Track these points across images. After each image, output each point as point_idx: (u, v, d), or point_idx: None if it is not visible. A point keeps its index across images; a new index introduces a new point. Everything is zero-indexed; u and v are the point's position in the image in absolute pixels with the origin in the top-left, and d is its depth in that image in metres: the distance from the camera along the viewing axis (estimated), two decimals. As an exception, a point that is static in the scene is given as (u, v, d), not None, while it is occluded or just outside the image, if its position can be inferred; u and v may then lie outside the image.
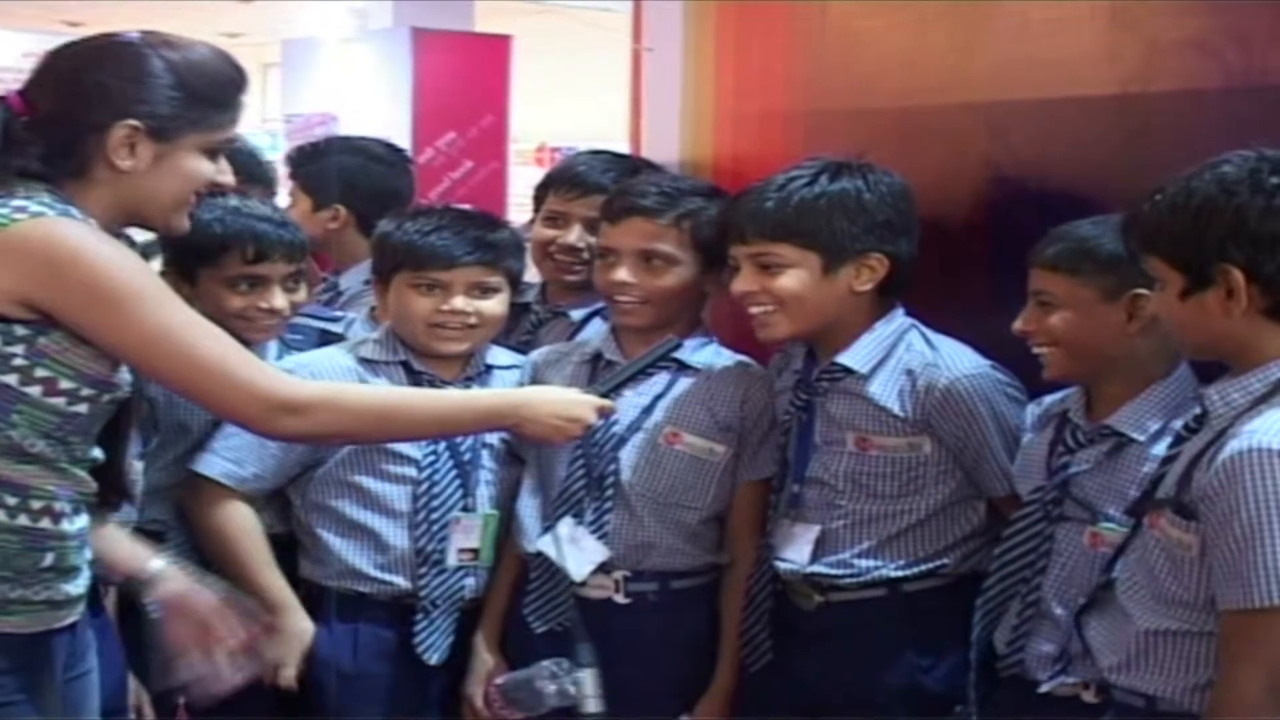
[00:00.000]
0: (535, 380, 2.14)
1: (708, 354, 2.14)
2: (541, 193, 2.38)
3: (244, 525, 2.11)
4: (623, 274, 2.08)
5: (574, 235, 2.31)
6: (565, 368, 2.15)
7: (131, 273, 1.58)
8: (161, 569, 1.74)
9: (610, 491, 2.08)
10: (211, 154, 1.66)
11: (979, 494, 1.98)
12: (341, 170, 2.96)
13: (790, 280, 1.95)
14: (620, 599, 2.07)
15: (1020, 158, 2.07)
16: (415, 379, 2.12)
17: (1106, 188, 1.90)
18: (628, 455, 2.09)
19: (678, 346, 1.97)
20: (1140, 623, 1.57)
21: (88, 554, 1.67)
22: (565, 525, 2.07)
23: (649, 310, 2.10)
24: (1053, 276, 1.79)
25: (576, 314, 2.35)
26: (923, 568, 1.97)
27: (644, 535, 2.08)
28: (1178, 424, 1.69)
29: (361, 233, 2.83)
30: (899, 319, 2.00)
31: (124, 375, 1.65)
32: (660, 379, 2.11)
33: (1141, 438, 1.75)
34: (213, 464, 2.11)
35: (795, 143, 2.34)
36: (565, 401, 1.86)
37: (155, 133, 1.61)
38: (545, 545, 2.08)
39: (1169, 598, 1.54)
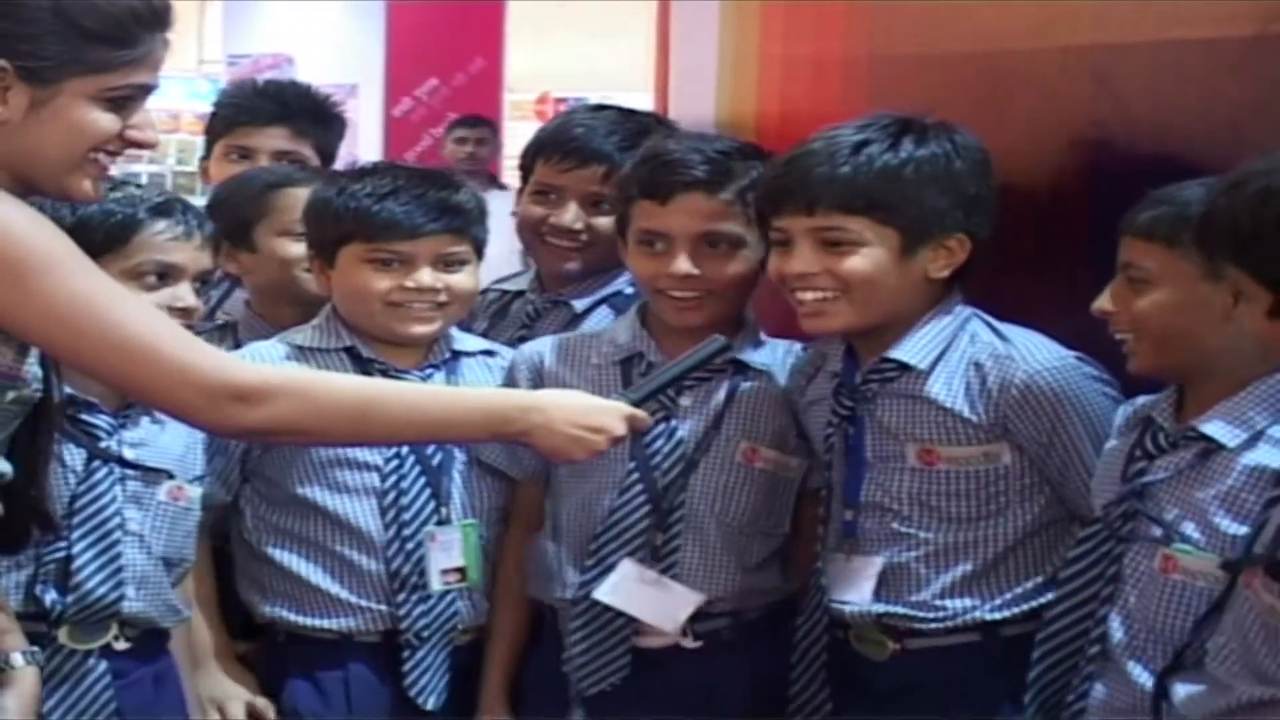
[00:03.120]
0: (540, 381, 2.16)
1: (766, 353, 2.17)
2: (529, 160, 2.37)
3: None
4: (684, 264, 2.08)
5: (570, 214, 2.31)
6: (586, 369, 2.16)
7: (37, 237, 1.56)
8: (21, 668, 1.73)
9: (678, 525, 2.10)
10: (114, 103, 1.62)
11: (1074, 516, 1.98)
12: None
13: (862, 261, 1.96)
14: (689, 643, 2.10)
15: (1131, 114, 2.08)
16: (364, 368, 2.14)
17: (1237, 149, 1.86)
18: (700, 479, 2.11)
19: (726, 348, 1.97)
20: (1241, 693, 1.57)
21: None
22: (630, 567, 2.08)
23: (714, 304, 2.11)
24: (1146, 247, 1.78)
25: (580, 303, 2.37)
26: (1024, 607, 1.96)
27: (717, 568, 2.11)
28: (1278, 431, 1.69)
29: None
30: (958, 306, 2.01)
31: (32, 369, 1.65)
32: (719, 386, 2.13)
33: (1231, 444, 1.73)
34: None
35: (856, 95, 2.36)
36: (587, 408, 1.82)
37: (29, 74, 1.58)
38: (607, 595, 2.08)
39: (1264, 674, 1.54)
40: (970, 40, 2.25)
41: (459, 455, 2.18)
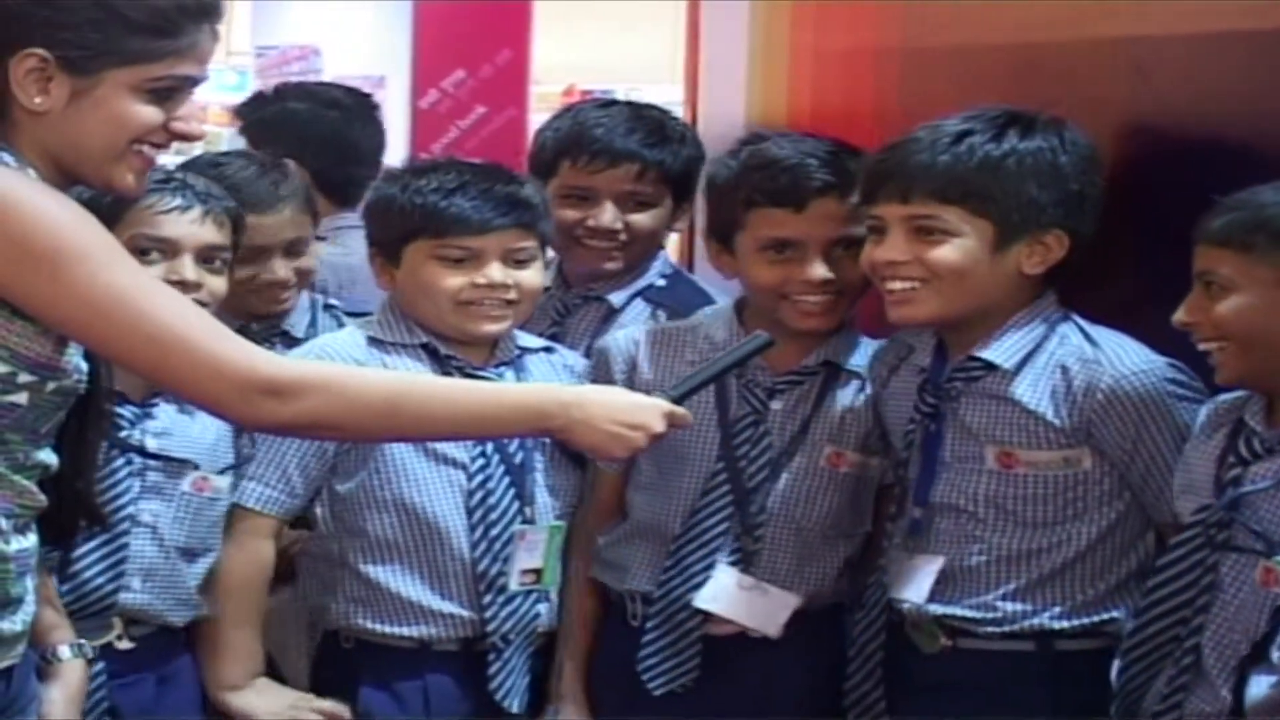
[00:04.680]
0: (633, 371, 2.16)
1: (860, 354, 2.17)
2: (549, 161, 2.35)
3: (260, 576, 2.14)
4: (820, 270, 2.08)
5: (608, 215, 2.32)
6: (679, 364, 2.15)
7: (74, 228, 1.57)
8: (68, 660, 1.73)
9: (760, 529, 2.12)
10: (157, 94, 1.63)
11: (1147, 523, 1.97)
12: (287, 118, 3.03)
13: (953, 251, 1.95)
14: (756, 633, 2.12)
15: (1171, 108, 2.06)
16: (442, 366, 2.14)
17: (1278, 143, 1.88)
18: (784, 484, 2.13)
19: (770, 344, 1.97)
20: None
21: (29, 582, 1.68)
22: (727, 573, 2.11)
23: (841, 307, 2.12)
24: (1221, 254, 1.76)
25: (616, 298, 2.37)
26: (1085, 620, 1.96)
27: (800, 570, 2.14)
28: None
29: (320, 190, 2.88)
30: (1052, 307, 2.00)
31: (74, 359, 1.65)
32: (811, 389, 2.14)
33: None
34: (244, 489, 2.13)
35: (889, 88, 2.35)
36: (627, 405, 1.81)
37: (69, 64, 1.59)
38: (709, 603, 2.11)
39: None
40: (1005, 32, 2.23)
41: (539, 454, 2.17)
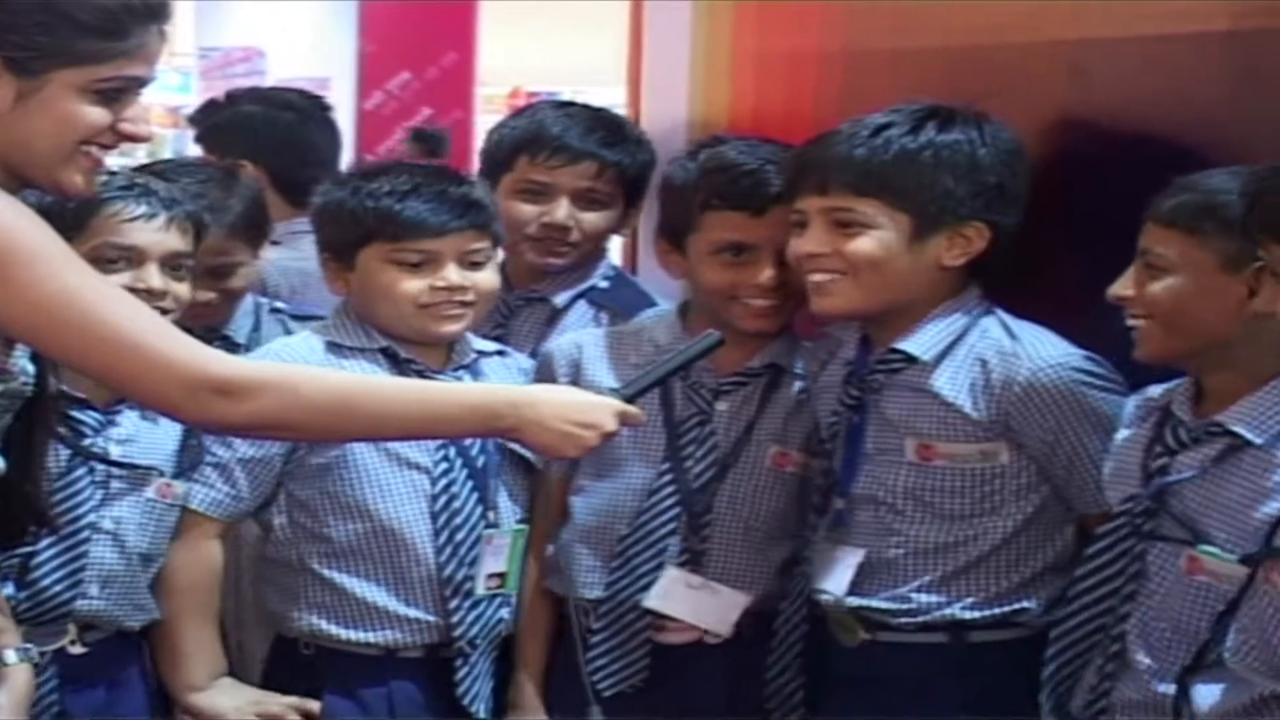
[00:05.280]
0: (578, 375, 2.17)
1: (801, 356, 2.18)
2: (504, 157, 2.35)
3: (210, 578, 2.13)
4: (772, 273, 2.09)
5: (563, 211, 2.32)
6: (624, 367, 2.16)
7: (24, 231, 1.57)
8: (14, 665, 1.72)
9: (707, 529, 2.13)
10: (105, 95, 1.61)
11: (1066, 516, 1.99)
12: (242, 121, 3.04)
13: (870, 243, 1.96)
14: (711, 639, 2.13)
15: (1109, 109, 2.07)
16: (401, 370, 2.13)
17: (1215, 145, 1.90)
18: (730, 484, 2.14)
19: (720, 343, 1.96)
20: (1260, 689, 1.56)
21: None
22: (675, 573, 2.11)
23: (788, 310, 2.13)
24: (1167, 234, 1.76)
25: (560, 299, 2.37)
26: (997, 611, 1.97)
27: (747, 570, 2.14)
28: None
29: (279, 193, 2.87)
30: (974, 300, 2.01)
31: (20, 362, 1.65)
32: (755, 391, 2.15)
33: (1260, 440, 1.71)
34: (192, 492, 2.12)
35: (830, 91, 2.36)
36: (579, 404, 1.80)
37: (16, 66, 1.58)
38: (657, 602, 2.11)
39: None
40: (945, 35, 2.25)
41: (499, 457, 2.17)
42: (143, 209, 2.02)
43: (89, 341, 1.58)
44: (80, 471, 2.01)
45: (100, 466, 2.03)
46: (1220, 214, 1.73)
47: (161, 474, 2.07)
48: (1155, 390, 1.87)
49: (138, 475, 2.06)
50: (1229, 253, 1.72)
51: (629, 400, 1.85)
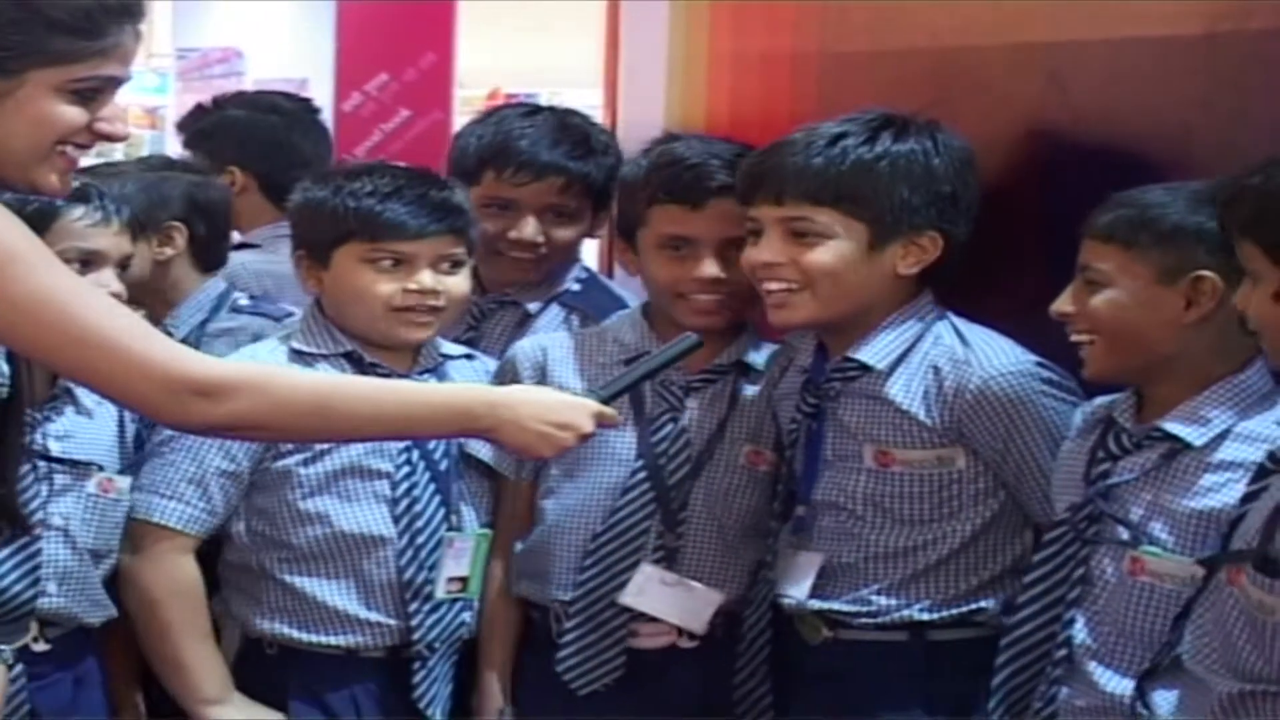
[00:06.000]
0: (543, 378, 2.17)
1: (766, 355, 2.19)
2: (470, 170, 2.34)
3: (195, 590, 2.14)
4: (712, 268, 2.10)
5: (530, 228, 2.33)
6: (590, 368, 2.18)
7: (1, 230, 1.58)
8: None
9: (682, 526, 2.14)
10: (81, 95, 1.62)
11: (1025, 520, 2.01)
12: (227, 125, 3.05)
13: (827, 254, 1.98)
14: (686, 643, 2.14)
15: (1084, 112, 2.08)
16: (365, 374, 2.13)
17: (1189, 149, 1.92)
18: (704, 482, 2.14)
19: (699, 345, 1.98)
20: (1221, 690, 1.58)
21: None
22: (650, 570, 2.12)
23: (734, 307, 2.14)
24: (1104, 248, 1.80)
25: (533, 304, 2.38)
26: (954, 611, 1.99)
27: (722, 569, 2.15)
28: (1245, 428, 1.72)
29: (267, 197, 2.88)
30: (927, 307, 2.03)
31: None
32: (724, 388, 2.16)
33: (1198, 442, 1.75)
34: (157, 506, 2.12)
35: (806, 92, 2.37)
36: (556, 404, 1.81)
37: None
38: (632, 599, 2.12)
39: (1247, 671, 1.55)
40: (922, 37, 2.26)
41: (462, 461, 2.19)
42: (99, 215, 2.05)
43: (66, 341, 1.59)
44: (25, 469, 2.01)
45: (42, 463, 2.04)
46: (1155, 227, 1.77)
47: (101, 469, 2.09)
48: (1101, 401, 1.90)
49: (79, 471, 2.07)
50: (1165, 265, 1.76)
51: (606, 401, 1.86)
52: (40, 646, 2.04)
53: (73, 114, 1.62)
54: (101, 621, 2.11)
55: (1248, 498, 1.64)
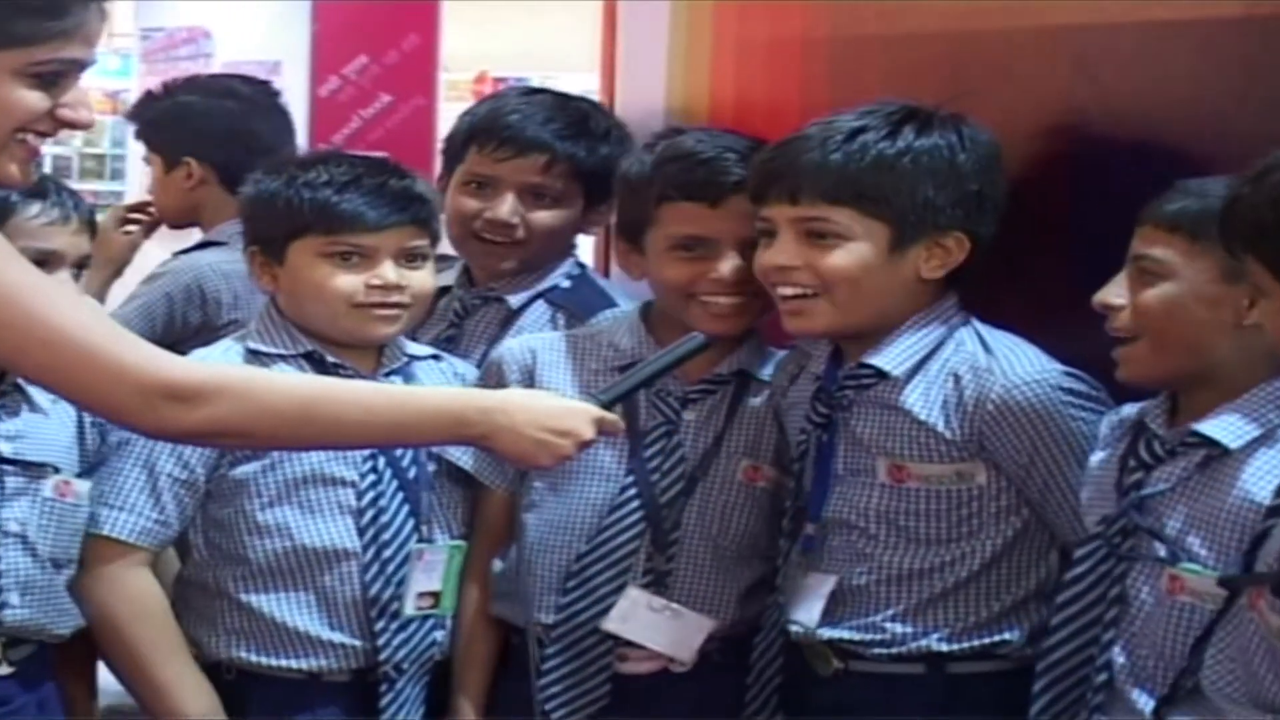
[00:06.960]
0: (531, 383, 2.12)
1: (771, 365, 2.14)
2: (458, 147, 2.33)
3: (159, 605, 2.09)
4: (732, 269, 2.05)
5: (506, 207, 2.28)
6: (582, 373, 2.13)
7: None
8: None
9: (674, 548, 2.08)
10: (43, 79, 1.58)
11: (1050, 540, 1.96)
12: (180, 113, 2.99)
13: (845, 257, 1.92)
14: (678, 667, 2.09)
15: (1112, 99, 2.04)
16: (328, 375, 2.09)
17: (1225, 137, 1.88)
18: (699, 499, 2.10)
19: (705, 346, 1.94)
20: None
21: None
22: (638, 595, 2.07)
23: (752, 310, 2.08)
24: (1169, 238, 1.73)
25: (515, 299, 2.33)
26: (976, 642, 1.94)
27: (714, 592, 2.10)
28: None
29: (229, 190, 2.82)
30: (951, 310, 1.98)
31: None
32: (723, 399, 2.11)
33: (1234, 445, 1.69)
34: (107, 518, 2.07)
35: (816, 79, 2.33)
36: (555, 410, 1.78)
37: None
38: (617, 625, 2.07)
39: (1270, 702, 1.51)
40: (938, 20, 2.22)
41: (433, 468, 2.15)
42: (56, 213, 2.03)
43: (34, 343, 1.56)
44: None
45: None
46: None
47: (58, 470, 2.05)
48: (1129, 409, 1.84)
49: (33, 473, 2.03)
50: (1233, 263, 1.67)
51: (608, 406, 1.82)
52: (4, 670, 2.01)
53: (33, 99, 1.58)
54: (71, 632, 2.06)
55: (1271, 512, 1.59)
